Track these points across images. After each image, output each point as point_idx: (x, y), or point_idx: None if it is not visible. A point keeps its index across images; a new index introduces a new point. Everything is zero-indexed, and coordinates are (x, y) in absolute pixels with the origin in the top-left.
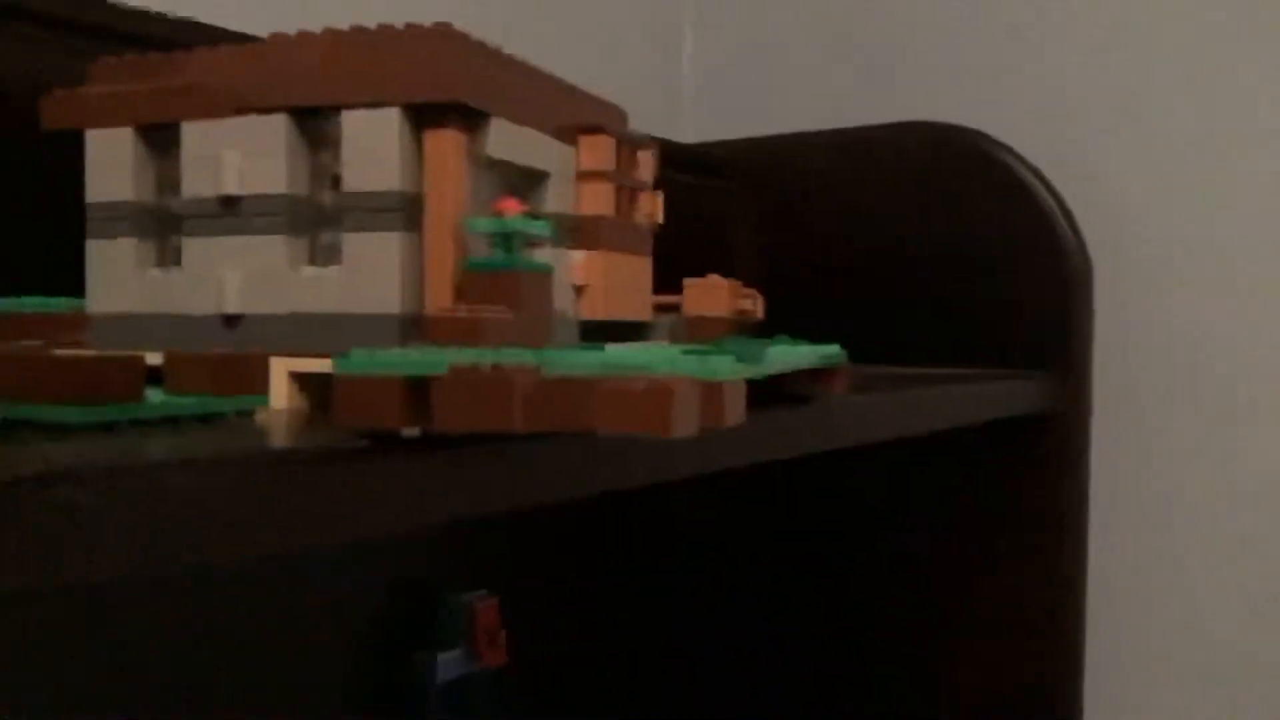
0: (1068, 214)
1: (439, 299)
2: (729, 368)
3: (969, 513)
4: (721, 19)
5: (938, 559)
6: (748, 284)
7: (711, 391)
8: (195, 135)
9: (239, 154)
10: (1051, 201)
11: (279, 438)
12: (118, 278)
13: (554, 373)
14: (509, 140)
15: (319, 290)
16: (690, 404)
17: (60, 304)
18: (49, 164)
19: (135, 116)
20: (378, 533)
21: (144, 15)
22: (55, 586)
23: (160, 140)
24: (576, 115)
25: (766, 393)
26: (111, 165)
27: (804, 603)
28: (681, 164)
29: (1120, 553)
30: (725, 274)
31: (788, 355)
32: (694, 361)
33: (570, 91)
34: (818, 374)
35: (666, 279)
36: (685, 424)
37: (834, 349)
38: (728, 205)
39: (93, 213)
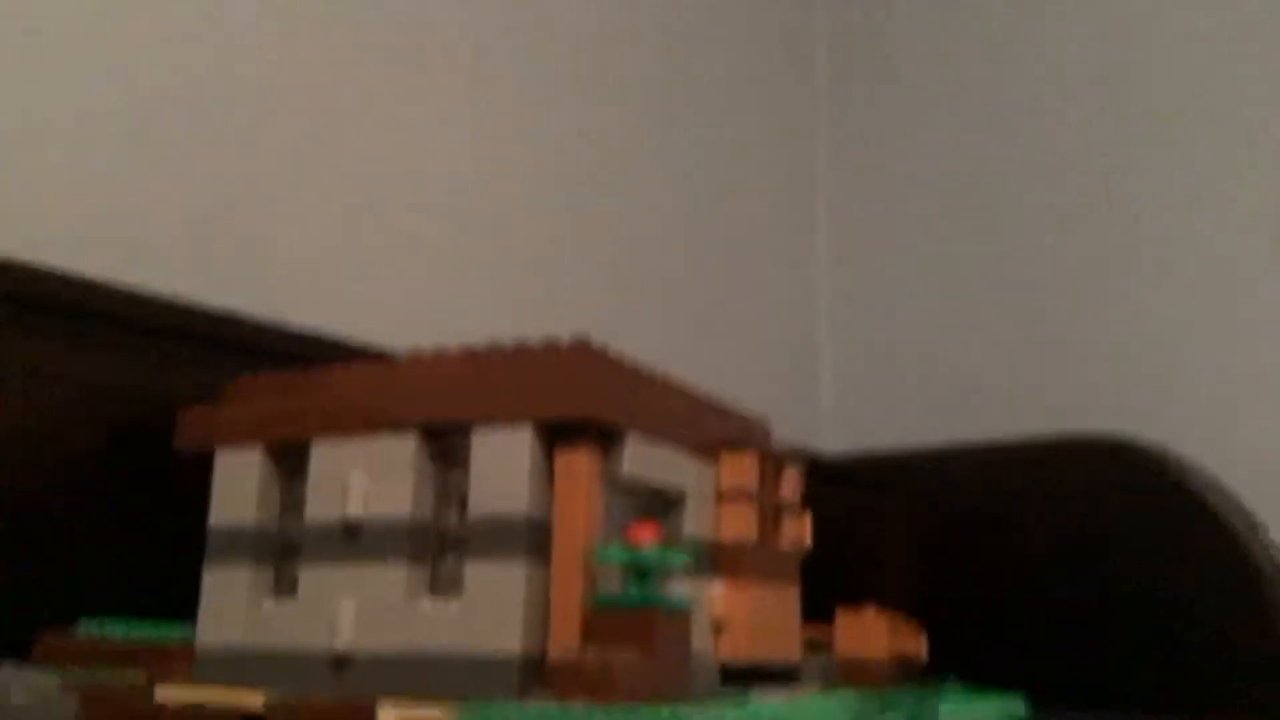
0: (1264, 539)
1: (565, 637)
2: None
3: None
4: (861, 324)
5: None
6: (907, 615)
7: None
8: (324, 455)
9: (366, 474)
10: (1245, 525)
11: None
12: (230, 608)
13: None
14: (645, 459)
15: (436, 625)
16: None
17: (171, 633)
18: (182, 483)
19: (266, 435)
20: None
21: (283, 333)
22: None
23: (290, 460)
24: (717, 430)
25: None
26: (238, 487)
27: None
28: (827, 477)
29: None
30: (878, 596)
31: (964, 713)
32: None
33: (710, 405)
34: None
35: (813, 598)
36: None
37: (1015, 701)
38: (879, 522)
39: (214, 538)
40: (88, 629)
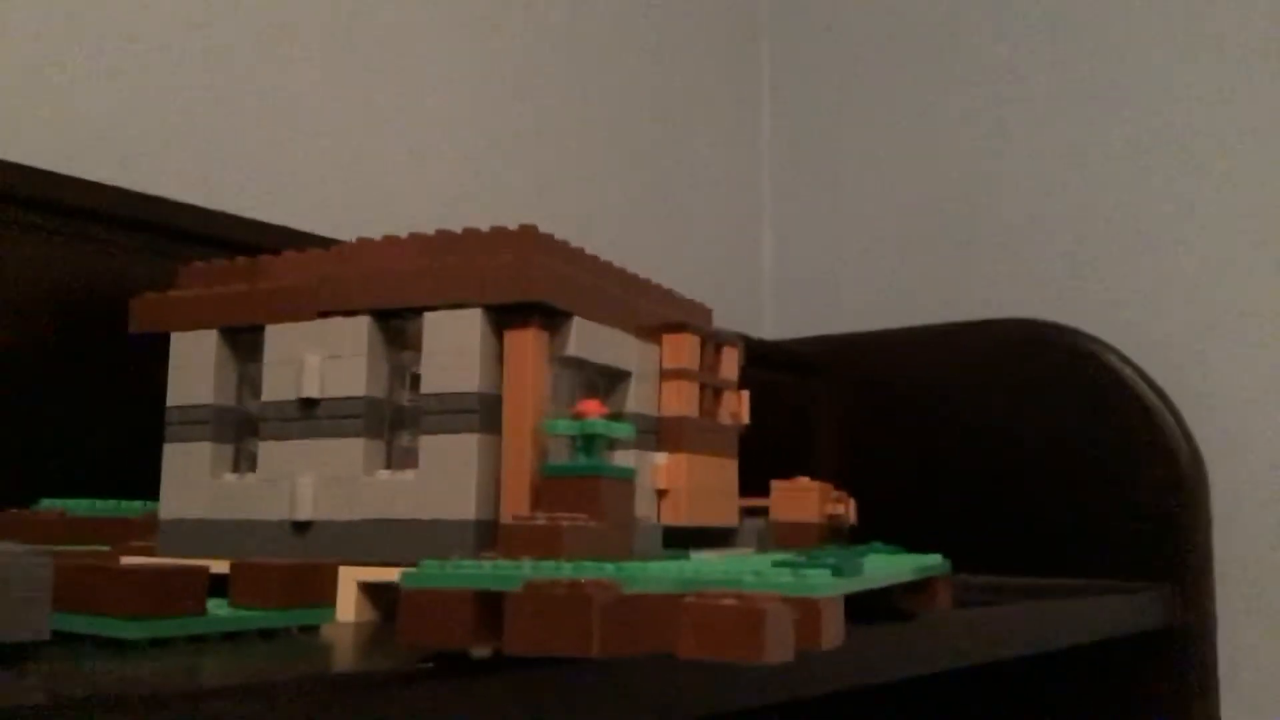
0: (1175, 412)
1: (516, 504)
2: (826, 583)
3: None
4: (802, 216)
5: None
6: (837, 485)
7: (808, 611)
8: (278, 338)
9: (320, 356)
10: (1156, 399)
11: (339, 658)
12: (192, 482)
13: (634, 589)
14: (590, 339)
15: (393, 495)
16: (784, 625)
17: (134, 508)
18: (136, 367)
19: (220, 319)
20: None
21: (234, 220)
22: None
23: (244, 343)
24: (660, 314)
25: (863, 607)
26: (194, 368)
27: None
28: (766, 360)
29: None
30: (810, 472)
31: (886, 567)
32: (787, 576)
33: (654, 290)
34: (918, 586)
35: (750, 476)
36: (779, 648)
37: (935, 559)
38: (814, 402)
39: (172, 416)
40: (49, 507)
